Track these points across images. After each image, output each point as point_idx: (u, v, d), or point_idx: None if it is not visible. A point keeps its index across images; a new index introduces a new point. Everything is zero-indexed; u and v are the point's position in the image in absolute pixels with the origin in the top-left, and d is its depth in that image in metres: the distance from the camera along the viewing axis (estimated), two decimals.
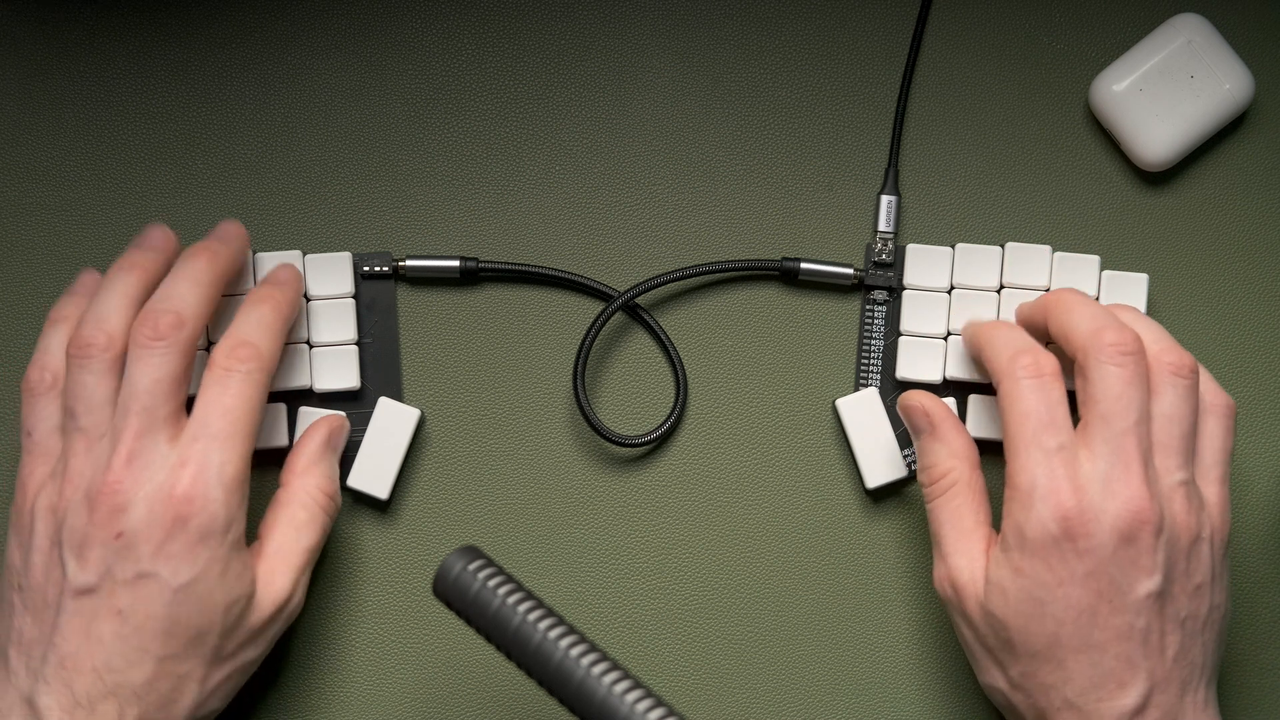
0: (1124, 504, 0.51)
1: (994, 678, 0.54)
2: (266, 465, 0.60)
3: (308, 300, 0.60)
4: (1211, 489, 0.54)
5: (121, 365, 0.53)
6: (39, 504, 0.53)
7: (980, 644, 0.54)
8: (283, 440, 0.60)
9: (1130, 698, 0.51)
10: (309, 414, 0.60)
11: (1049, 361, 0.53)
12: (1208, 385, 0.55)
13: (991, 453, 0.59)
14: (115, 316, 0.54)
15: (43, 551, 0.52)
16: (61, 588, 0.51)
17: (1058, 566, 0.51)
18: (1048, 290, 0.60)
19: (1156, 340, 0.54)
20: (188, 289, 0.54)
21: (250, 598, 0.53)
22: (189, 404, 0.55)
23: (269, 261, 0.59)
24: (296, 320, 0.59)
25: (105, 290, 0.55)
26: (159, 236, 0.57)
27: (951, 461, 0.56)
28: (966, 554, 0.54)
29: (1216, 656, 0.54)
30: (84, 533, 0.51)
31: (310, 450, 0.57)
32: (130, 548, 0.51)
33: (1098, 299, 0.60)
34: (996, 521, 0.56)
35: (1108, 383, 0.52)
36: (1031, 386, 0.52)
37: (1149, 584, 0.51)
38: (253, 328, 0.55)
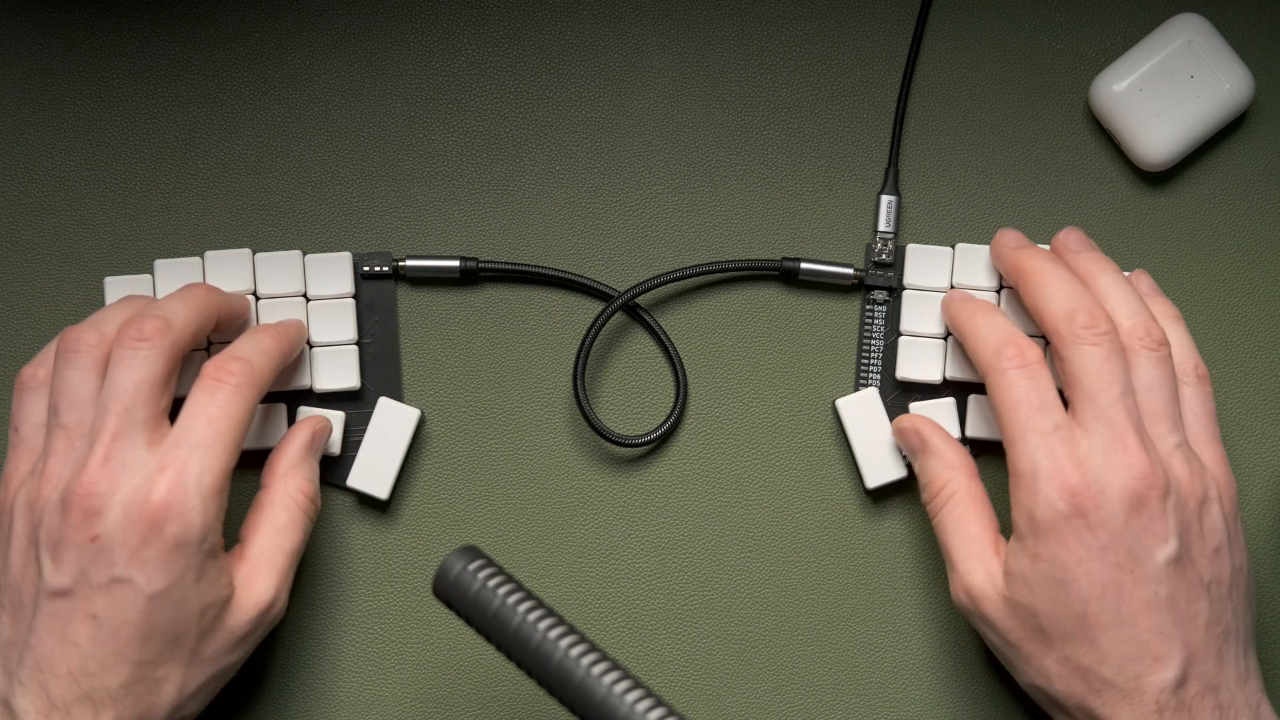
0: (1127, 471, 0.51)
1: (1032, 675, 0.53)
2: (261, 467, 0.60)
3: (307, 300, 0.60)
4: (1206, 451, 0.55)
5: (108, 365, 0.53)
6: (18, 500, 0.53)
7: (1011, 644, 0.54)
8: None
9: (1169, 671, 0.51)
10: (308, 414, 0.60)
11: (1033, 350, 0.54)
12: (1180, 353, 0.56)
13: (995, 452, 0.59)
14: (112, 323, 0.54)
15: (20, 550, 0.52)
16: (37, 588, 0.51)
17: (1073, 544, 0.51)
18: None
19: (1128, 314, 0.55)
20: (179, 305, 0.55)
21: (226, 602, 0.53)
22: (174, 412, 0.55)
23: (269, 262, 0.59)
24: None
25: (113, 304, 0.56)
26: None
27: (948, 473, 0.56)
28: (977, 558, 0.54)
29: (1248, 621, 0.54)
30: (59, 534, 0.51)
31: (292, 452, 0.57)
32: (105, 552, 0.50)
33: None
34: (1005, 529, 0.56)
35: (1085, 361, 0.53)
36: (1019, 375, 0.53)
37: (1166, 550, 0.51)
38: (250, 348, 0.55)
